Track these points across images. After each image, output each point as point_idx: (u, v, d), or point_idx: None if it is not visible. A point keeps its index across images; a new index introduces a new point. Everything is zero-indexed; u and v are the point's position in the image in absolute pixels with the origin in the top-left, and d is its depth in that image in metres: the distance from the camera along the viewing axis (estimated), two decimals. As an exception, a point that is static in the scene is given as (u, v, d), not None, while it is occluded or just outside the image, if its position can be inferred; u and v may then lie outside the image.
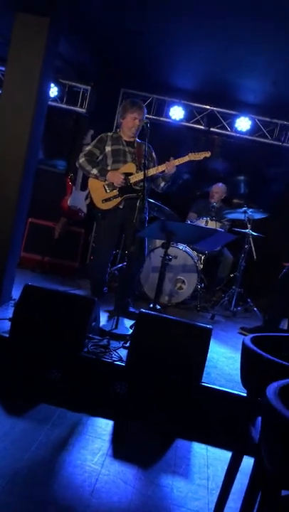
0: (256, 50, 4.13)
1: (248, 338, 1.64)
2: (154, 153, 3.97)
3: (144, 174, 3.45)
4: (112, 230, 3.88)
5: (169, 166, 3.70)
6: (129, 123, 3.78)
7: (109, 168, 3.78)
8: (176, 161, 3.71)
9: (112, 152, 3.79)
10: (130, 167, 3.77)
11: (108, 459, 2.13)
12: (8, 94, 3.50)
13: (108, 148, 3.80)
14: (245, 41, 4.00)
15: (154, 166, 3.86)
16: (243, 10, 3.43)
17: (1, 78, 5.68)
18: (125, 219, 3.82)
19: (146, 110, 3.87)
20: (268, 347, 1.58)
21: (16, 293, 3.63)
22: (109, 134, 3.89)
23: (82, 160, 3.80)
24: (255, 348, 1.54)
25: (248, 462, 1.78)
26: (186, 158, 3.72)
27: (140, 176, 3.60)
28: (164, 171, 3.73)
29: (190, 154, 3.72)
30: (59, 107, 5.69)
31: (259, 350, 1.52)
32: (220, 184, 5.61)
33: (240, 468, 1.78)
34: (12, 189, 3.49)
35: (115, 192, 3.76)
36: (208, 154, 3.73)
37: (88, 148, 3.87)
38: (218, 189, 5.57)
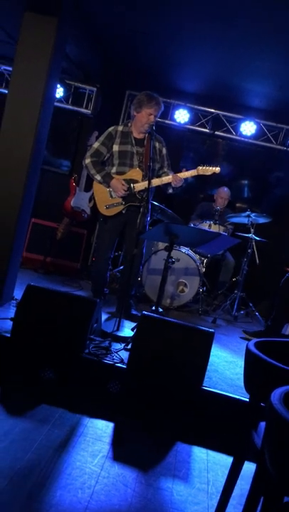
0: (266, 55, 4.10)
1: (251, 343, 1.64)
2: (164, 150, 3.85)
3: (149, 183, 3.40)
4: (114, 232, 3.87)
5: (176, 180, 3.62)
6: (144, 119, 3.63)
7: (114, 169, 3.74)
8: (183, 174, 3.63)
9: (119, 153, 3.72)
10: (136, 173, 3.70)
11: (108, 462, 2.13)
12: (14, 93, 3.50)
13: (116, 148, 3.72)
14: (256, 45, 3.96)
15: (161, 168, 3.83)
16: (256, 13, 3.39)
17: (8, 78, 5.70)
18: (127, 222, 3.81)
19: (163, 106, 3.72)
20: (272, 352, 1.58)
21: (18, 293, 3.63)
22: (119, 128, 3.77)
23: (88, 161, 3.76)
24: (259, 353, 1.53)
25: (248, 467, 1.78)
26: (194, 172, 3.64)
27: (145, 184, 3.55)
28: (169, 183, 3.66)
29: (199, 168, 3.64)
30: (64, 108, 5.70)
31: (263, 356, 1.51)
32: (225, 189, 5.60)
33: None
34: (17, 189, 3.49)
35: (119, 199, 3.74)
36: (217, 170, 3.63)
37: (96, 145, 3.77)
38: (224, 194, 5.57)
